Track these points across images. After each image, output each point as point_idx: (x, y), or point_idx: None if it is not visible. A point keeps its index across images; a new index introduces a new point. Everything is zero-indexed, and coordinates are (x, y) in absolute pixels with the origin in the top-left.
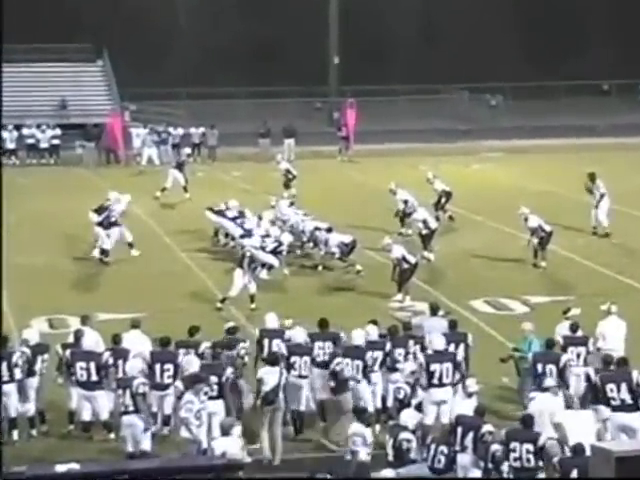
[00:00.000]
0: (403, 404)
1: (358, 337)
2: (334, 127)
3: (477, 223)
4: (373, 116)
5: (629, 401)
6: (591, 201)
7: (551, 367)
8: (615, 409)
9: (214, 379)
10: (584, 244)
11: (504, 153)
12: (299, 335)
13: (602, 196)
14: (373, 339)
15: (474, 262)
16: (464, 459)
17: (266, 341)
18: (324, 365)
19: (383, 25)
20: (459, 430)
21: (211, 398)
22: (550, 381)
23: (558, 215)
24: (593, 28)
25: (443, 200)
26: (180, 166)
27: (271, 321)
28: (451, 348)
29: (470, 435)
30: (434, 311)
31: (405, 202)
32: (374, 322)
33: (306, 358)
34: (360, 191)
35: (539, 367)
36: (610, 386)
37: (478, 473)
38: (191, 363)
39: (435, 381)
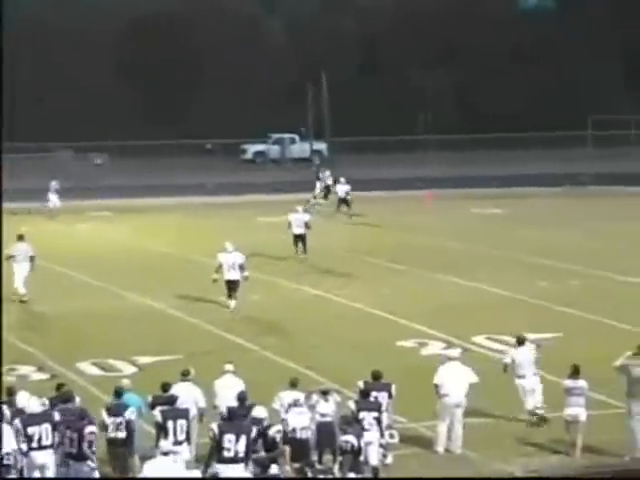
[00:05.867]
0: None
1: None
2: None
3: (85, 283)
4: None
5: None
6: None
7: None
8: None
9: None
10: (188, 302)
11: (111, 212)
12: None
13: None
14: None
15: (83, 323)
16: None
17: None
18: None
19: None
20: None
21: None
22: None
23: (169, 273)
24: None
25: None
26: None
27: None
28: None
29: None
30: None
31: None
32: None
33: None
34: None
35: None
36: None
37: None
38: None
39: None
